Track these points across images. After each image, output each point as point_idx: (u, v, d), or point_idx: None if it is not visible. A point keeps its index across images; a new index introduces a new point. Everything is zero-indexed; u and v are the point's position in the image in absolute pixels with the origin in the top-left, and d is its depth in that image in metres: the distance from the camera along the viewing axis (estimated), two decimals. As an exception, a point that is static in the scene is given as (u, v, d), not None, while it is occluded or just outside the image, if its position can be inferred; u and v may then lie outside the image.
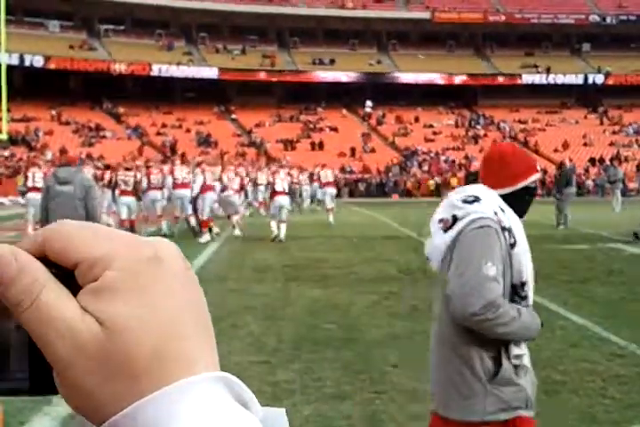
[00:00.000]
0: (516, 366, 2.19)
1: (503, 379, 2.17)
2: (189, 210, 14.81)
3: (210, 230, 14.24)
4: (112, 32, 49.76)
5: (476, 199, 2.31)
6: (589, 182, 43.86)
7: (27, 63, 43.21)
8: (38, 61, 43.94)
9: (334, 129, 48.20)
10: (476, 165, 34.07)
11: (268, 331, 5.80)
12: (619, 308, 6.72)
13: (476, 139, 48.52)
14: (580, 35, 55.08)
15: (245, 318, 6.32)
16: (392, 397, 4.35)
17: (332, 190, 21.70)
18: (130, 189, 14.06)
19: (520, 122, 51.00)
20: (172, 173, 15.37)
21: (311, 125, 48.68)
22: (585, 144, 47.85)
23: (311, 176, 25.59)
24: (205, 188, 14.42)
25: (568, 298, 7.19)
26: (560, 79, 51.90)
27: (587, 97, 53.29)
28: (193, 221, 14.83)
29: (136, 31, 50.36)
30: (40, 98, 44.00)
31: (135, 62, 46.43)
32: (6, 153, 37.44)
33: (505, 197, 2.41)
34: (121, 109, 46.76)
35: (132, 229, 13.83)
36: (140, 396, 0.34)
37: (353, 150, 45.11)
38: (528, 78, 52.49)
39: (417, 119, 50.18)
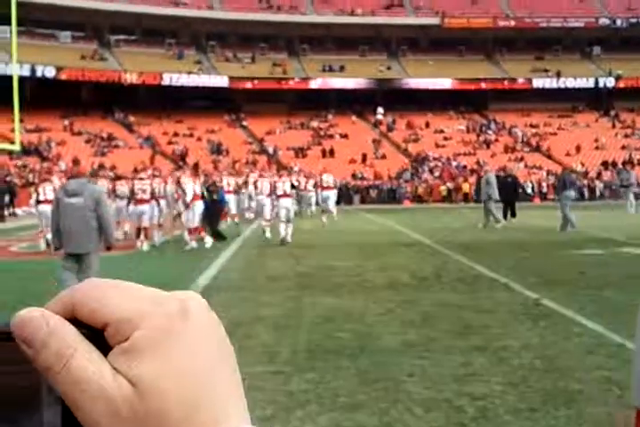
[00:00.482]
0: None
1: None
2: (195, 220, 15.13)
3: (201, 240, 14.49)
4: (123, 42, 50.05)
5: None
6: (602, 186, 43.62)
7: (38, 74, 43.50)
8: (50, 72, 44.23)
9: (345, 136, 48.21)
10: (487, 169, 33.72)
11: (281, 340, 5.78)
12: (635, 314, 6.65)
13: (487, 144, 48.40)
14: (591, 38, 54.89)
15: (258, 327, 6.30)
16: (408, 406, 4.32)
17: (331, 194, 22.99)
18: (146, 197, 14.34)
19: (531, 126, 50.84)
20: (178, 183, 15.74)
21: (322, 132, 48.72)
22: (597, 148, 47.63)
23: (316, 182, 26.07)
24: (193, 198, 14.68)
25: (584, 304, 7.13)
26: (571, 83, 51.71)
27: (598, 100, 53.07)
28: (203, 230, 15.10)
29: (146, 41, 50.63)
30: (52, 108, 44.30)
31: (146, 72, 46.66)
32: (19, 163, 37.65)
33: None
34: (132, 119, 46.99)
35: (146, 236, 14.14)
36: None
37: (364, 157, 45.09)
38: (539, 82, 52.34)
39: (427, 125, 50.12)
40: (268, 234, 15.65)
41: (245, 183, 22.79)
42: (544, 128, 50.31)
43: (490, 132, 50.27)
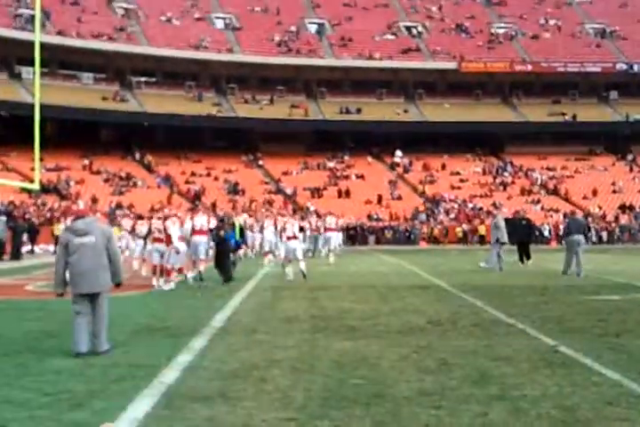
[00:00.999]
0: None
1: None
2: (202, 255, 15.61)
3: (185, 278, 14.96)
4: (144, 84, 50.91)
5: None
6: (619, 230, 43.31)
7: (60, 114, 44.15)
8: (72, 114, 44.91)
9: (361, 177, 48.41)
10: (505, 211, 33.77)
11: (296, 385, 5.72)
12: (655, 363, 6.54)
13: (504, 186, 48.39)
14: (608, 83, 55.21)
15: (273, 371, 6.24)
16: (423, 457, 4.23)
17: (334, 235, 24.65)
18: (162, 236, 14.48)
19: (548, 169, 50.86)
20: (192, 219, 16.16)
21: (338, 173, 48.97)
22: (614, 191, 47.50)
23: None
24: (183, 236, 15.06)
25: (602, 352, 7.01)
26: (587, 126, 51.88)
27: (615, 144, 53.10)
28: (202, 268, 15.48)
29: (167, 83, 51.48)
30: (72, 147, 44.92)
31: (166, 113, 47.32)
32: (38, 201, 38.02)
33: None
34: (151, 158, 47.51)
35: (161, 273, 14.23)
36: None
37: (379, 197, 45.18)
38: (555, 126, 52.55)
39: (444, 166, 50.27)
40: (289, 275, 15.91)
41: (261, 226, 24.18)
42: (561, 171, 50.29)
43: (506, 174, 50.29)
